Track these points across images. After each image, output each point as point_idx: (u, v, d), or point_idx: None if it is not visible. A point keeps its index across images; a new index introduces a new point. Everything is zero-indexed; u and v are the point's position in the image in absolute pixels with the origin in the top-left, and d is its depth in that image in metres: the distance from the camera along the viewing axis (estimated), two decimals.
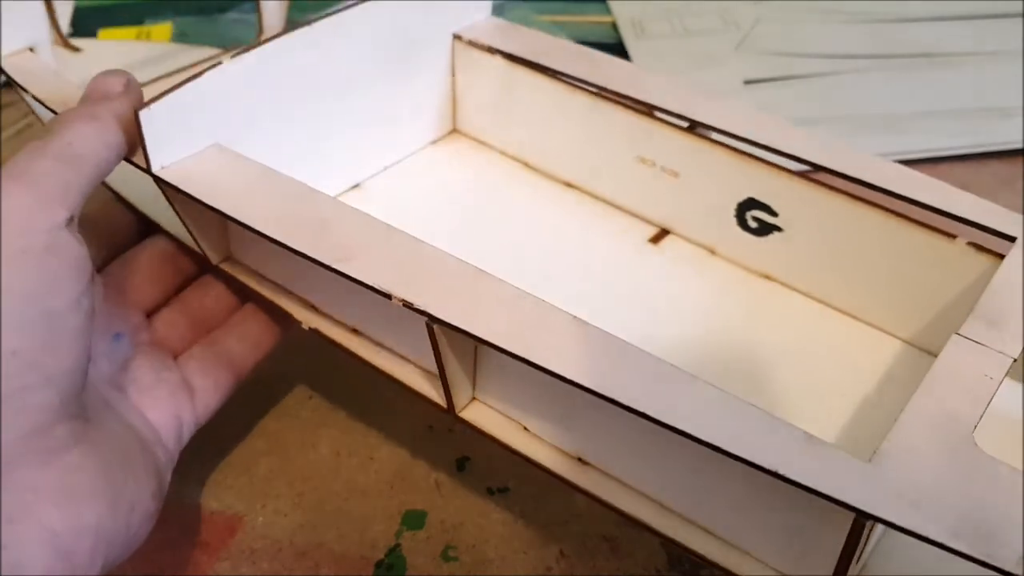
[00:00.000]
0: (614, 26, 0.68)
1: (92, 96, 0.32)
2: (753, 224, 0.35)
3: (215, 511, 0.36)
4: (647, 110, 0.36)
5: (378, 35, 0.39)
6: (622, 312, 0.35)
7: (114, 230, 0.38)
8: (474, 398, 0.32)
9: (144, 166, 0.32)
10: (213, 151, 0.33)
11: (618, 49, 0.65)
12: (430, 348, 0.29)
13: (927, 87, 0.59)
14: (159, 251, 0.37)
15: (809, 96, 0.59)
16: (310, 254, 0.29)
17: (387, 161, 0.42)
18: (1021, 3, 0.68)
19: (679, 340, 0.34)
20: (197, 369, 0.35)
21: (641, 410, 0.24)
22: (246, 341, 0.36)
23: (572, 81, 0.38)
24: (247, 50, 0.35)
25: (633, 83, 0.36)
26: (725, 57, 0.63)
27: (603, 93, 0.37)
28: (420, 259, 0.29)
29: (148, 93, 0.32)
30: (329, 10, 0.37)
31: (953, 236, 0.29)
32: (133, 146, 0.31)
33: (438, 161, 0.42)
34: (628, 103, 0.36)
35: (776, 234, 0.35)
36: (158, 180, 0.32)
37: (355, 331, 0.34)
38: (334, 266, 0.28)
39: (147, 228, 0.38)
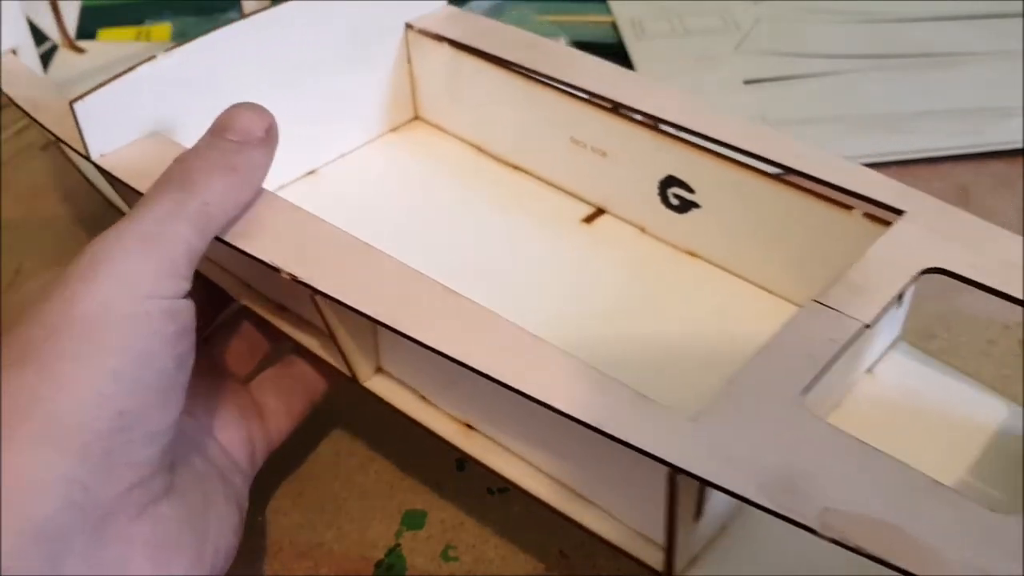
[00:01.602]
0: (614, 26, 0.68)
1: (230, 133, 0.30)
2: (675, 201, 0.36)
3: None
4: (576, 92, 0.37)
5: (328, 24, 0.40)
6: (546, 289, 0.36)
7: None
8: (380, 369, 0.33)
9: (84, 153, 0.34)
10: (152, 140, 0.35)
11: (618, 49, 0.65)
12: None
13: (927, 87, 0.59)
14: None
15: (809, 96, 0.59)
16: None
17: (344, 148, 0.43)
18: (1021, 3, 0.68)
19: (591, 315, 0.35)
20: (270, 390, 0.35)
21: (486, 372, 0.25)
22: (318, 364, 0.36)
23: (511, 66, 0.39)
24: (184, 44, 0.36)
25: (564, 66, 0.38)
26: (725, 57, 0.63)
27: (537, 77, 0.38)
28: (318, 237, 0.30)
29: None
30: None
31: (850, 208, 0.29)
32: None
33: (395, 147, 0.44)
34: (560, 86, 0.37)
35: (695, 211, 0.36)
36: (98, 167, 0.34)
37: (281, 307, 0.35)
38: (232, 241, 0.30)
39: None
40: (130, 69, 0.34)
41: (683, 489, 0.24)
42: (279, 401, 0.34)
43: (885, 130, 0.56)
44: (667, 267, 0.37)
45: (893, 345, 0.33)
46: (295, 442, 0.38)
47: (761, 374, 0.24)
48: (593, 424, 0.24)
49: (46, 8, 0.51)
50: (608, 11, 0.70)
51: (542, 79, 0.38)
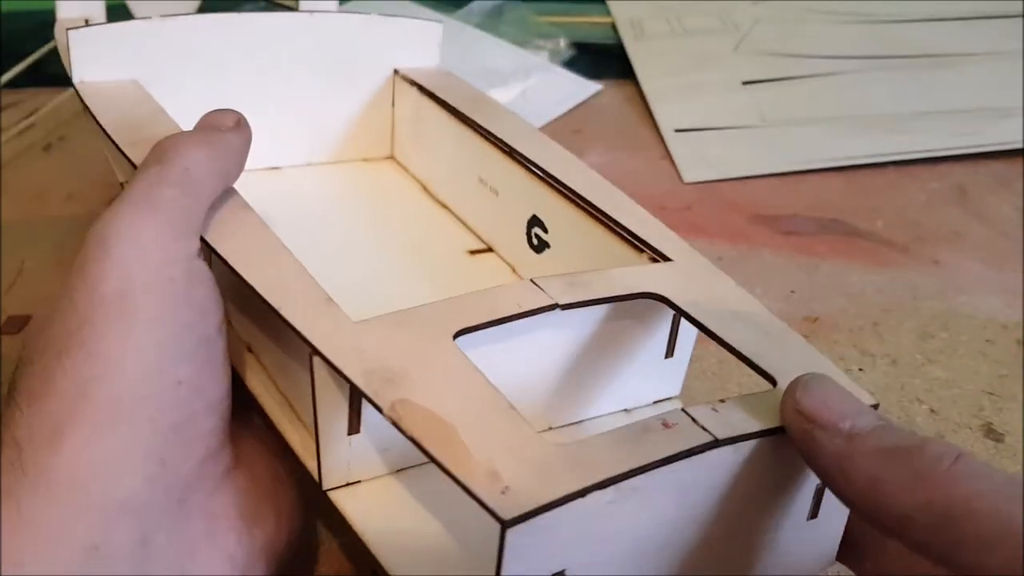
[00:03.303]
0: (613, 27, 0.68)
1: (203, 127, 0.32)
2: (535, 241, 0.38)
3: None
4: (488, 136, 0.40)
5: (329, 46, 0.44)
6: (403, 294, 0.38)
7: None
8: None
9: (68, 75, 0.37)
10: (130, 85, 0.38)
11: (617, 50, 0.65)
12: None
13: (927, 87, 0.59)
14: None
15: (808, 96, 0.59)
16: (114, 139, 0.33)
17: (314, 158, 0.46)
18: (1021, 3, 0.68)
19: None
20: None
21: (228, 259, 0.27)
22: None
23: (449, 108, 0.42)
24: (190, 14, 0.39)
25: (488, 114, 0.41)
26: (724, 57, 0.63)
27: (463, 118, 0.41)
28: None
29: None
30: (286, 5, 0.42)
31: (642, 251, 0.32)
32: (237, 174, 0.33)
33: (358, 173, 0.47)
34: (479, 130, 0.40)
35: (547, 251, 0.38)
36: (76, 91, 0.37)
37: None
38: (123, 149, 0.32)
39: None
40: (130, 20, 0.37)
41: (323, 380, 0.25)
42: None
43: (884, 130, 0.56)
44: None
45: (666, 401, 0.33)
46: None
47: (440, 309, 0.26)
48: (272, 304, 0.26)
49: None
50: (607, 11, 0.70)
51: (467, 121, 0.41)
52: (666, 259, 0.31)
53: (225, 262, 0.28)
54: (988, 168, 0.54)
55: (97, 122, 0.35)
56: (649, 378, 0.33)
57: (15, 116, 0.58)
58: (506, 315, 0.27)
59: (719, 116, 0.57)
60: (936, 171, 0.54)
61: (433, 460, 0.21)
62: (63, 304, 0.25)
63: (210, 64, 0.41)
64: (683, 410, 0.23)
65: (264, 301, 0.26)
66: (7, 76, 0.59)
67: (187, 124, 0.34)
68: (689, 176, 0.52)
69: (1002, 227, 0.50)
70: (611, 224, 0.34)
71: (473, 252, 0.41)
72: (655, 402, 0.33)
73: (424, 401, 0.23)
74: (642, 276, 0.30)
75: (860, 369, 0.40)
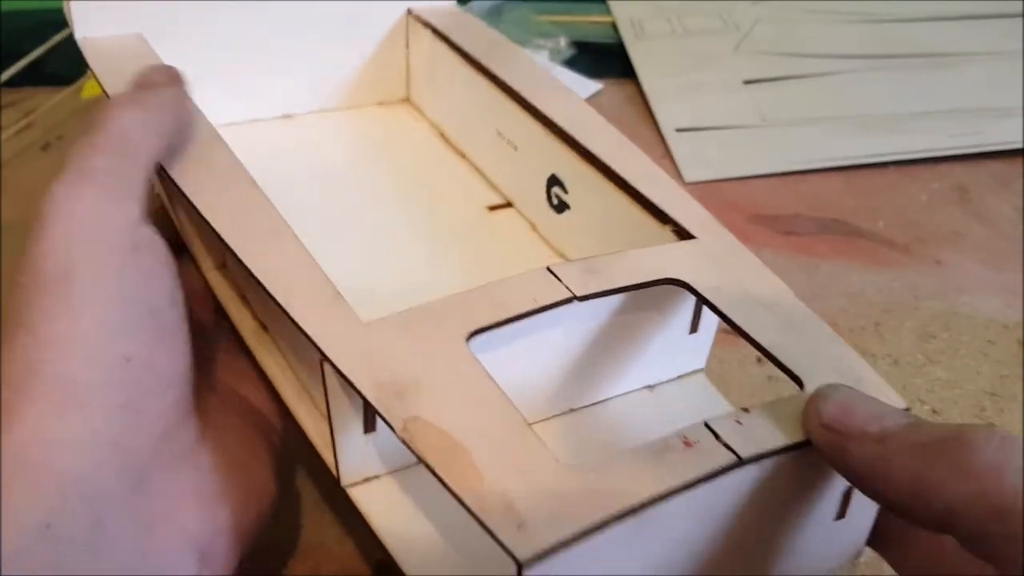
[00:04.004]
0: (614, 26, 0.68)
1: (135, 87, 0.31)
2: (555, 201, 0.37)
3: None
4: (505, 87, 0.39)
5: None
6: (421, 256, 0.37)
7: (168, 232, 0.38)
8: (222, 267, 0.35)
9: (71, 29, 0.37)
10: (133, 39, 0.37)
11: (618, 49, 0.65)
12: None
13: (927, 87, 0.59)
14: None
15: (808, 96, 0.59)
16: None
17: (327, 104, 0.45)
18: (1021, 3, 0.68)
19: (449, 284, 0.36)
20: None
21: (235, 249, 0.26)
22: None
23: (468, 57, 0.41)
24: None
25: (506, 63, 0.39)
26: (725, 57, 0.63)
27: (480, 67, 0.40)
28: (203, 149, 0.31)
29: None
30: None
31: (665, 223, 0.31)
32: (185, 129, 0.32)
33: (371, 118, 0.46)
34: (496, 80, 0.39)
35: (567, 212, 0.37)
36: (80, 47, 0.36)
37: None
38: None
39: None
40: None
41: (336, 385, 0.24)
42: None
43: (884, 130, 0.56)
44: (531, 259, 0.37)
45: (691, 375, 0.32)
46: (295, 441, 0.38)
47: (452, 306, 0.25)
48: (283, 306, 0.25)
49: None
50: (608, 11, 0.70)
51: (484, 71, 0.40)
52: (689, 235, 0.30)
53: (227, 245, 0.27)
54: (988, 168, 0.54)
55: (99, 83, 0.34)
56: (672, 354, 0.32)
57: (14, 115, 0.58)
58: (521, 312, 0.25)
59: (719, 116, 0.57)
60: (936, 171, 0.54)
61: (447, 488, 0.21)
62: (12, 284, 0.24)
63: (215, 12, 0.40)
64: (706, 425, 0.22)
65: (266, 291, 0.26)
66: (6, 75, 0.59)
67: (193, 76, 0.34)
68: (689, 176, 0.52)
69: (1002, 227, 0.50)
70: (633, 191, 0.32)
71: (492, 208, 0.40)
72: (679, 376, 0.32)
73: (437, 418, 0.22)
74: (664, 258, 0.28)
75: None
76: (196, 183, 0.30)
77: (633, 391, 0.32)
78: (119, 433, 0.23)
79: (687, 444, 0.22)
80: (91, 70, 0.35)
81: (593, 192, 0.35)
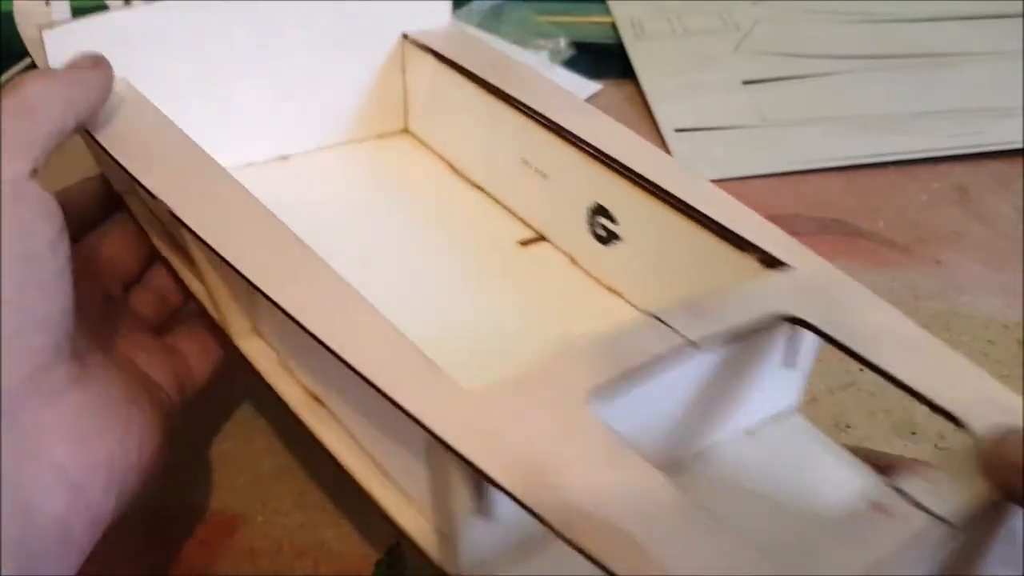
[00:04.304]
0: (613, 26, 0.68)
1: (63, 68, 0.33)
2: (601, 232, 0.35)
3: (215, 510, 0.36)
4: (529, 111, 0.36)
5: (326, 17, 0.40)
6: (446, 298, 0.35)
7: (83, 206, 0.39)
8: (254, 332, 0.33)
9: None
10: (120, 83, 0.34)
11: (618, 49, 0.65)
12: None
13: (927, 87, 0.59)
14: (129, 228, 0.39)
15: (808, 96, 0.59)
16: (122, 163, 0.31)
17: (323, 142, 0.43)
18: (1021, 3, 0.68)
19: (494, 329, 0.34)
20: (184, 335, 0.36)
21: (321, 339, 0.24)
22: None
23: (480, 82, 0.38)
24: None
25: (526, 87, 0.37)
26: (724, 57, 0.63)
27: (499, 93, 0.37)
28: (219, 189, 0.30)
29: None
30: None
31: (746, 250, 0.28)
32: (96, 107, 0.32)
33: (373, 152, 0.43)
34: (517, 104, 0.37)
35: (617, 243, 0.35)
36: None
37: (191, 261, 0.35)
38: (133, 174, 0.30)
39: (111, 205, 0.39)
40: (104, 8, 0.35)
41: (442, 461, 0.22)
42: (192, 346, 0.35)
43: (884, 130, 0.56)
44: (581, 298, 0.35)
45: (787, 415, 0.30)
46: (295, 441, 0.38)
47: (559, 366, 0.23)
48: (371, 380, 0.23)
49: None
50: (607, 11, 0.70)
51: (504, 96, 0.37)
52: (777, 262, 0.28)
53: (287, 313, 0.25)
54: (988, 168, 0.54)
55: (94, 139, 0.33)
56: (769, 391, 0.29)
57: None
58: (639, 364, 0.24)
59: (719, 116, 0.57)
60: (936, 171, 0.54)
61: None
62: None
63: (201, 52, 0.38)
64: (896, 489, 0.21)
65: (349, 366, 0.24)
66: (6, 75, 0.59)
67: (184, 122, 0.33)
68: None
69: (1002, 227, 0.50)
70: (700, 217, 0.30)
71: (524, 243, 0.38)
72: (775, 415, 0.30)
73: (591, 504, 0.20)
74: (767, 292, 0.26)
75: (860, 370, 0.40)
76: (231, 240, 0.28)
77: (733, 437, 0.29)
78: None
79: (882, 511, 0.20)
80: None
81: (649, 220, 0.32)
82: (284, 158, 0.42)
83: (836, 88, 0.60)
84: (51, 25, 0.34)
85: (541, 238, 0.38)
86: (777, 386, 0.29)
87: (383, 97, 0.43)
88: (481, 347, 0.33)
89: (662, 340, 0.24)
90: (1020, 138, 0.55)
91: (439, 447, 0.22)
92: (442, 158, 0.43)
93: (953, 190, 0.52)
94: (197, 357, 0.35)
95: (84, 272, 0.34)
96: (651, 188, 0.32)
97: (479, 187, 0.41)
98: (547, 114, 0.35)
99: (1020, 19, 0.66)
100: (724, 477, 0.28)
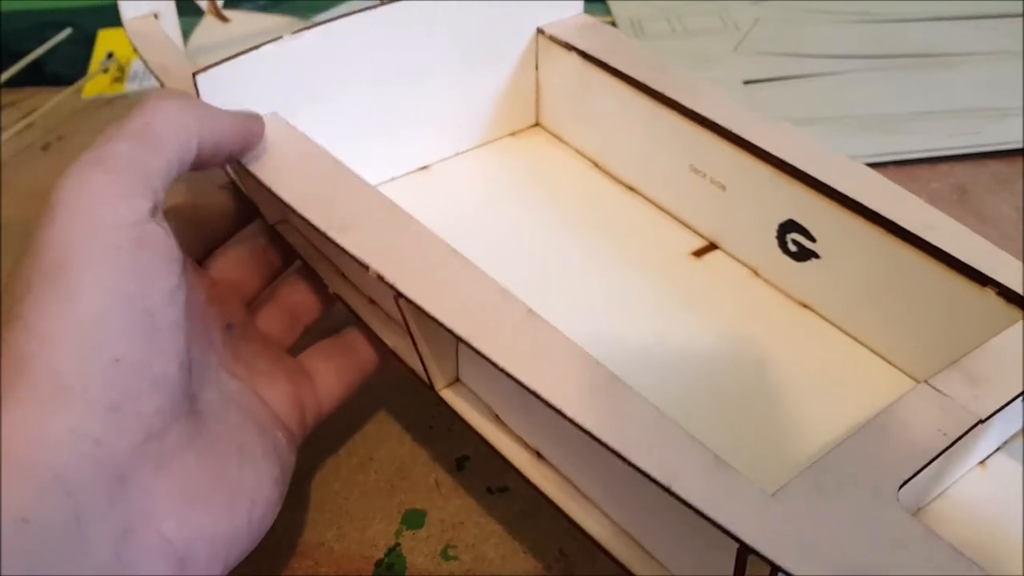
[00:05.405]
0: (613, 25, 0.68)
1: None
2: (793, 248, 0.34)
3: None
4: (702, 120, 0.36)
5: (459, 22, 0.40)
6: (640, 323, 0.34)
7: (215, 220, 0.37)
8: (457, 379, 0.33)
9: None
10: (271, 120, 0.34)
11: None
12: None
13: (927, 87, 0.59)
14: (255, 243, 0.37)
15: (809, 96, 0.59)
16: (312, 220, 0.30)
17: (460, 147, 0.42)
18: (1021, 3, 0.68)
19: (683, 358, 0.33)
20: (318, 357, 0.34)
21: (562, 410, 0.24)
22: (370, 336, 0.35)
23: (638, 85, 0.38)
24: (314, 27, 0.36)
25: (692, 93, 0.36)
26: (724, 57, 0.63)
27: (663, 98, 0.37)
28: (411, 238, 0.29)
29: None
30: None
31: (983, 284, 0.27)
32: (224, 141, 0.31)
33: (512, 152, 0.43)
34: (685, 111, 0.36)
35: (814, 261, 0.34)
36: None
37: (371, 301, 0.35)
38: (328, 233, 0.29)
39: (242, 217, 0.39)
40: (255, 47, 0.34)
41: (752, 569, 0.22)
42: (328, 367, 0.34)
43: (884, 130, 0.56)
44: (776, 316, 0.35)
45: (1014, 440, 0.29)
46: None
47: (855, 458, 0.22)
48: (666, 485, 0.22)
49: None
50: (608, 11, 0.70)
51: (668, 102, 0.36)
52: (1017, 296, 0.27)
53: (527, 388, 0.25)
54: (988, 168, 0.54)
55: (256, 179, 0.32)
56: (1002, 423, 0.28)
57: (14, 115, 0.58)
58: (937, 451, 0.23)
59: None
60: (936, 171, 0.54)
61: None
62: (16, 270, 0.24)
63: (347, 76, 0.38)
64: None
65: (614, 452, 0.23)
66: (6, 75, 0.59)
67: (337, 151, 0.33)
68: None
69: (1002, 227, 0.50)
70: (922, 244, 0.29)
71: (698, 253, 0.37)
72: (1005, 443, 0.29)
73: None
74: None
75: None
76: (433, 292, 0.28)
77: (966, 473, 0.28)
78: (102, 432, 0.23)
79: None
80: (245, 171, 0.33)
81: (857, 242, 0.31)
82: (425, 167, 0.42)
83: (836, 88, 0.60)
84: (204, 69, 0.34)
85: (713, 246, 0.37)
86: (1008, 417, 0.28)
87: (516, 94, 0.43)
88: (677, 374, 0.32)
89: (953, 419, 0.23)
90: (1020, 138, 0.55)
91: (749, 554, 0.21)
92: (585, 156, 0.42)
93: (953, 190, 0.52)
94: (327, 381, 0.34)
95: (209, 300, 0.32)
96: (858, 208, 0.30)
97: (632, 188, 0.39)
98: (724, 123, 0.34)
99: (1020, 19, 0.66)
100: (963, 515, 0.27)
